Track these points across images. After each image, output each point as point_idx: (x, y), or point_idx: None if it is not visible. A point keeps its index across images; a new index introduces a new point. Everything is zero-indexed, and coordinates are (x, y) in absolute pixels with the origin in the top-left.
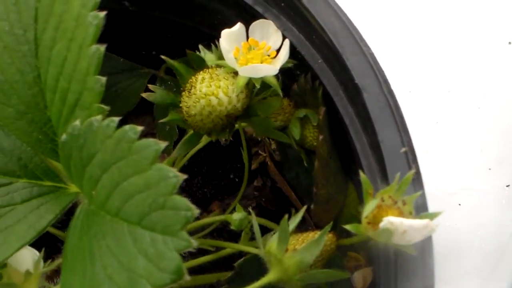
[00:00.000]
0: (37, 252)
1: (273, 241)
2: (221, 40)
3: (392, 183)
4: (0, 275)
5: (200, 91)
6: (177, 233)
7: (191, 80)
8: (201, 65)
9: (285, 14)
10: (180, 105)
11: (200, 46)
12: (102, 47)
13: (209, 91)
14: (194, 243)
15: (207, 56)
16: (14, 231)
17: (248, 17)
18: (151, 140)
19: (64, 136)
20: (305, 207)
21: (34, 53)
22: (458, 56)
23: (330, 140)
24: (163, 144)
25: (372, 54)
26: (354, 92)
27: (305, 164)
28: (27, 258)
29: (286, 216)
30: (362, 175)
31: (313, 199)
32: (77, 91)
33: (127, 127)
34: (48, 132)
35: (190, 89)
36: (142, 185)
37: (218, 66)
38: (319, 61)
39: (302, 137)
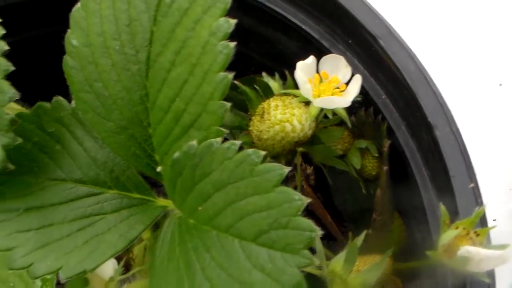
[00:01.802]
0: (114, 260)
1: (337, 262)
2: (297, 71)
3: (471, 215)
4: (87, 281)
5: (275, 117)
6: (299, 251)
7: (262, 106)
8: (266, 91)
9: (351, 50)
10: (250, 128)
11: (264, 74)
12: (230, 75)
13: (284, 118)
14: (316, 261)
15: (272, 83)
16: (105, 239)
17: (312, 50)
18: (275, 165)
19: (177, 154)
20: (365, 232)
21: (145, 74)
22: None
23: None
24: (286, 169)
25: (441, 95)
26: (419, 128)
27: (364, 191)
28: (108, 264)
29: (356, 239)
30: (442, 208)
31: (359, 223)
32: (195, 113)
33: (250, 151)
34: (146, 148)
35: (263, 115)
36: (262, 206)
37: (286, 94)
38: (383, 96)
39: (362, 166)
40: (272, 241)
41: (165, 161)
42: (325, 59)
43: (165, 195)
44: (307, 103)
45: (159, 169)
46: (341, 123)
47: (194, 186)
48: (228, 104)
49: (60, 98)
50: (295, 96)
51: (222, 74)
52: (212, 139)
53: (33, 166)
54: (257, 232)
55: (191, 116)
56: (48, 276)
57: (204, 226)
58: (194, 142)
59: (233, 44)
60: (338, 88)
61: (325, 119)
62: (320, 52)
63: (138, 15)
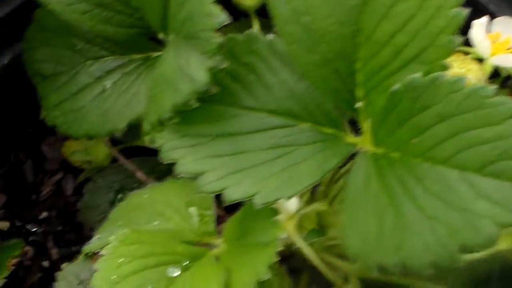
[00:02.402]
0: None
1: None
2: (474, 29)
3: None
4: (277, 210)
5: (452, 71)
6: None
7: None
8: None
9: None
10: None
11: None
12: (465, 11)
13: (461, 72)
14: None
15: None
16: (301, 169)
17: (477, 13)
18: (507, 98)
19: (396, 86)
20: None
21: (360, 9)
22: None
23: None
24: None
25: None
26: None
27: None
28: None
29: None
30: None
31: None
32: (419, 47)
33: (479, 85)
34: (349, 83)
35: None
36: (490, 137)
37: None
38: None
39: None
40: (499, 172)
41: (371, 96)
42: (498, 20)
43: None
44: (479, 61)
45: (358, 104)
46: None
47: (409, 119)
48: (459, 39)
49: (254, 31)
50: (466, 53)
51: (455, 10)
52: (437, 73)
53: (225, 94)
54: (482, 163)
55: (414, 50)
56: (207, 212)
57: (414, 159)
58: (418, 75)
59: None
60: (509, 49)
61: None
62: (484, 15)
63: None
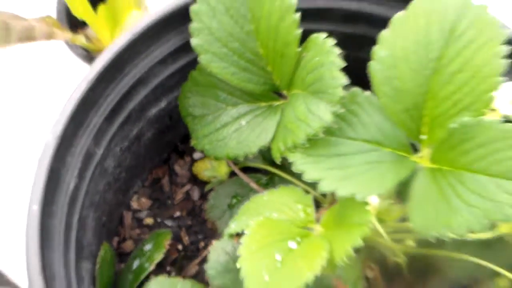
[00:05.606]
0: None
1: None
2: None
3: None
4: (368, 203)
5: None
6: None
7: None
8: None
9: None
10: None
11: None
12: (502, 79)
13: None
14: None
15: None
16: (384, 177)
17: None
18: None
19: (453, 125)
20: None
21: (430, 77)
22: None
23: None
24: None
25: None
26: None
27: None
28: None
29: None
30: None
31: None
32: (469, 102)
33: (506, 125)
34: (418, 123)
35: None
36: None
37: None
38: None
39: None
40: None
41: (432, 131)
42: None
43: None
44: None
45: (423, 137)
46: None
47: (459, 146)
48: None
49: (357, 88)
50: None
51: (496, 78)
52: (480, 117)
53: (336, 129)
54: (506, 171)
55: (465, 103)
56: (309, 208)
57: (460, 170)
58: (467, 118)
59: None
60: None
61: None
62: None
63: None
